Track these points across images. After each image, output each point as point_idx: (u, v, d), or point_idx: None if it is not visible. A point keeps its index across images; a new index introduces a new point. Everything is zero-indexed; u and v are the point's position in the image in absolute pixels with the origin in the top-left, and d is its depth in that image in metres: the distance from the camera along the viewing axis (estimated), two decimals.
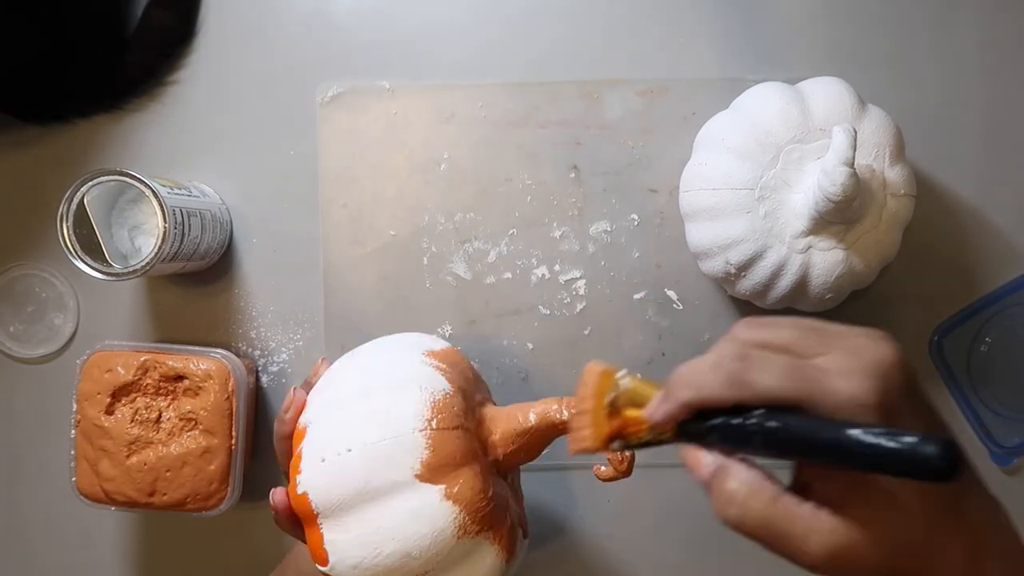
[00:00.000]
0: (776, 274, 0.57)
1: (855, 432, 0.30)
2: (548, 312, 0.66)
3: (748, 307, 0.65)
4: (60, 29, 0.63)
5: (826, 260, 0.56)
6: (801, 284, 0.57)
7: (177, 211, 0.58)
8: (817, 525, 0.31)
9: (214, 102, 0.68)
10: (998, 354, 0.65)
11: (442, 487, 0.47)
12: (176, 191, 0.60)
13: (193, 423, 0.62)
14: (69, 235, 0.57)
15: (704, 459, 0.35)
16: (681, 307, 0.67)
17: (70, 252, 0.57)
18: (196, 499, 0.62)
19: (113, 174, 0.57)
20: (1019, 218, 0.66)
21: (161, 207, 0.57)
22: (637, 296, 0.67)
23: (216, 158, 0.68)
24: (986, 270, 0.66)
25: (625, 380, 0.41)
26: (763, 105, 0.58)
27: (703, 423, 0.35)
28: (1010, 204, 0.66)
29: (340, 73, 0.67)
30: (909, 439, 0.29)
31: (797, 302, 0.60)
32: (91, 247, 0.58)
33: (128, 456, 0.61)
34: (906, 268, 0.65)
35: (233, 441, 0.62)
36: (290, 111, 0.67)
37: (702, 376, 0.33)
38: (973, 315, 0.65)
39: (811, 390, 0.31)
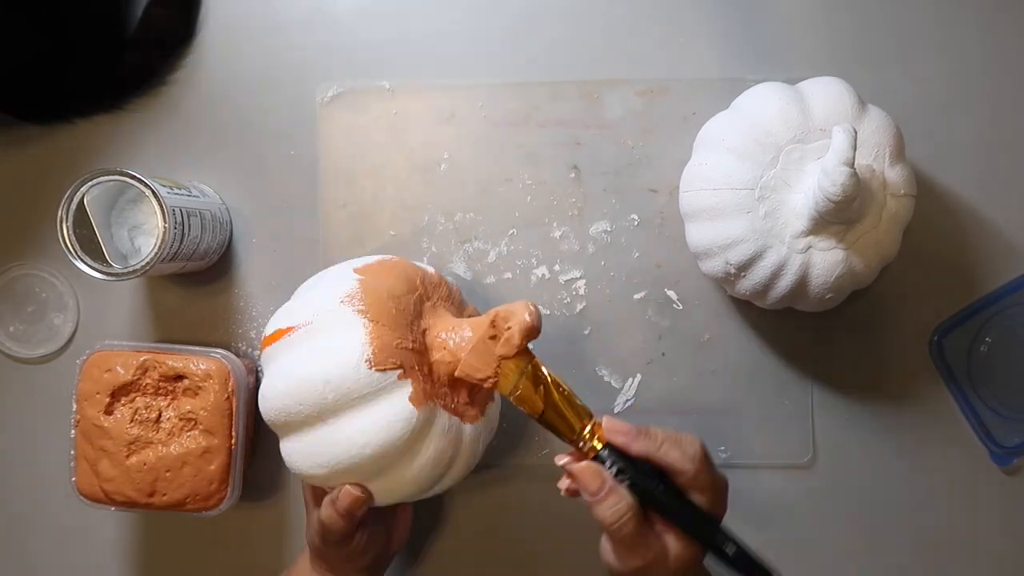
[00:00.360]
0: (776, 274, 0.57)
1: (686, 500, 0.51)
2: (548, 312, 0.66)
3: (748, 307, 0.65)
4: (60, 29, 0.63)
5: (826, 260, 0.56)
6: (801, 284, 0.57)
7: (177, 211, 0.58)
8: (666, 540, 0.51)
9: (214, 102, 0.68)
10: (998, 354, 0.65)
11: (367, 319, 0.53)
12: (176, 191, 0.60)
13: (193, 423, 0.62)
14: (69, 235, 0.57)
15: (605, 476, 0.51)
16: (681, 307, 0.67)
17: (70, 252, 0.57)
18: (196, 499, 0.62)
19: (113, 174, 0.57)
20: (1019, 218, 0.66)
21: (161, 207, 0.57)
22: (637, 296, 0.67)
23: (216, 158, 0.68)
24: (986, 270, 0.66)
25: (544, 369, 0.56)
26: (763, 105, 0.58)
27: (623, 462, 0.52)
28: (1010, 204, 0.66)
29: (340, 73, 0.67)
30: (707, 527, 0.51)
31: (797, 302, 0.60)
32: (91, 247, 0.58)
33: (128, 456, 0.61)
34: (906, 268, 0.65)
35: (233, 441, 0.62)
36: (290, 111, 0.67)
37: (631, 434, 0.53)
38: (973, 315, 0.65)
39: (670, 461, 0.51)
